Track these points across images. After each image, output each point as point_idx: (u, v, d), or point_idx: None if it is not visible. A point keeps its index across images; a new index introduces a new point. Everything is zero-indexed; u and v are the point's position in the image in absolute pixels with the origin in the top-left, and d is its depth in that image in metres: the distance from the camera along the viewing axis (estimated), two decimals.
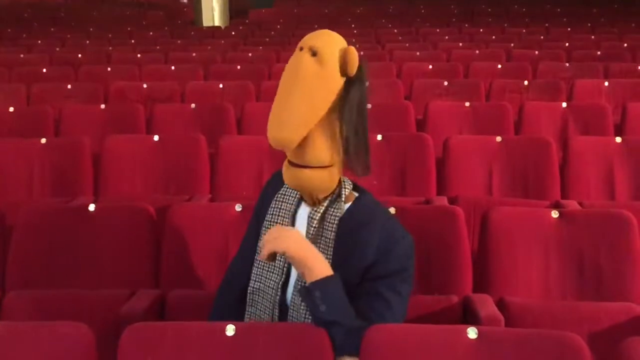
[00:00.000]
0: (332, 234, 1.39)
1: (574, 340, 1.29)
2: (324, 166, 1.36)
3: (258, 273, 1.46)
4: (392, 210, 1.93)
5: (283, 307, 1.43)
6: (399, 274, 1.36)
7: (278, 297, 1.42)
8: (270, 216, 1.47)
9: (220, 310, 1.53)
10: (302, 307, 1.38)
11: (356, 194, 1.45)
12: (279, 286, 1.42)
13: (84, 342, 1.36)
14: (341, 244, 1.38)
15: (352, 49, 1.33)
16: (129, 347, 1.34)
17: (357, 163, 1.38)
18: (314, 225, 1.40)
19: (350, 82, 1.34)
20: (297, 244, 1.31)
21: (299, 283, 1.39)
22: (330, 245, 1.38)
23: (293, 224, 1.45)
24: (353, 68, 1.33)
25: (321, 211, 1.41)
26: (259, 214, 1.53)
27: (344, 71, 1.33)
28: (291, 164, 1.37)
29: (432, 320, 1.70)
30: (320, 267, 1.31)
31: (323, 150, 1.34)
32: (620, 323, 1.73)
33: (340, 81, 1.33)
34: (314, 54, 1.31)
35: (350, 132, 1.35)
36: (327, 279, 1.30)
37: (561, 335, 1.31)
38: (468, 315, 1.79)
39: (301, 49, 1.33)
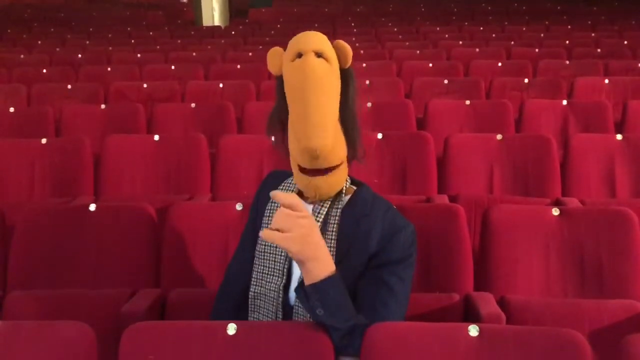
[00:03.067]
0: (335, 226, 1.40)
1: (575, 338, 1.29)
2: (338, 164, 1.36)
3: (258, 277, 1.46)
4: None
5: (286, 309, 1.42)
6: (401, 261, 1.37)
7: (281, 299, 1.42)
8: (267, 218, 1.47)
9: (219, 317, 1.51)
10: None
11: (354, 187, 1.47)
12: (280, 288, 1.42)
13: (85, 341, 1.36)
14: (343, 236, 1.39)
15: (341, 41, 1.35)
16: (130, 346, 1.34)
17: (357, 150, 1.41)
18: (320, 220, 1.40)
19: (346, 73, 1.37)
20: (299, 245, 1.25)
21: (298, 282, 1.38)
22: (333, 237, 1.39)
23: None
24: (349, 60, 1.35)
25: (327, 206, 1.41)
26: (254, 218, 1.52)
27: (342, 64, 1.35)
28: (308, 171, 1.35)
29: (433, 319, 1.70)
30: (320, 267, 1.28)
31: (338, 145, 1.35)
32: (621, 320, 1.73)
33: (339, 75, 1.35)
34: (319, 55, 1.30)
35: (351, 121, 1.38)
36: (325, 281, 1.28)
37: (562, 333, 1.31)
38: (469, 313, 1.79)
39: (300, 55, 1.31)
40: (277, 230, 1.25)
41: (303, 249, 1.26)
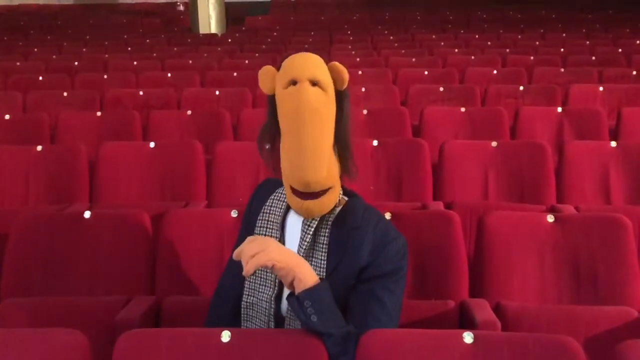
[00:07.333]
0: (326, 238, 1.40)
1: (570, 344, 1.30)
2: (331, 187, 1.35)
3: (251, 287, 1.46)
4: (387, 215, 1.93)
5: (279, 319, 1.42)
6: (393, 274, 1.37)
7: (273, 310, 1.42)
8: (259, 229, 1.47)
9: (213, 325, 1.50)
10: None
11: (346, 198, 1.46)
12: (273, 299, 1.42)
13: (79, 349, 1.35)
14: (335, 248, 1.38)
15: (337, 63, 1.32)
16: (124, 353, 1.34)
17: (350, 167, 1.40)
18: (310, 232, 1.40)
19: (341, 95, 1.34)
20: (280, 254, 1.27)
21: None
22: (324, 250, 1.39)
23: (282, 234, 1.44)
24: (345, 82, 1.33)
25: (318, 218, 1.41)
26: (247, 226, 1.52)
27: (337, 87, 1.33)
28: (300, 193, 1.34)
29: (428, 326, 1.70)
30: (308, 274, 1.30)
31: (331, 168, 1.34)
32: (616, 327, 1.73)
33: (334, 100, 1.33)
34: (314, 84, 1.27)
35: (344, 141, 1.37)
36: (317, 287, 1.29)
37: (557, 339, 1.31)
38: (465, 320, 1.79)
39: (295, 83, 1.27)
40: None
41: (285, 256, 1.27)
